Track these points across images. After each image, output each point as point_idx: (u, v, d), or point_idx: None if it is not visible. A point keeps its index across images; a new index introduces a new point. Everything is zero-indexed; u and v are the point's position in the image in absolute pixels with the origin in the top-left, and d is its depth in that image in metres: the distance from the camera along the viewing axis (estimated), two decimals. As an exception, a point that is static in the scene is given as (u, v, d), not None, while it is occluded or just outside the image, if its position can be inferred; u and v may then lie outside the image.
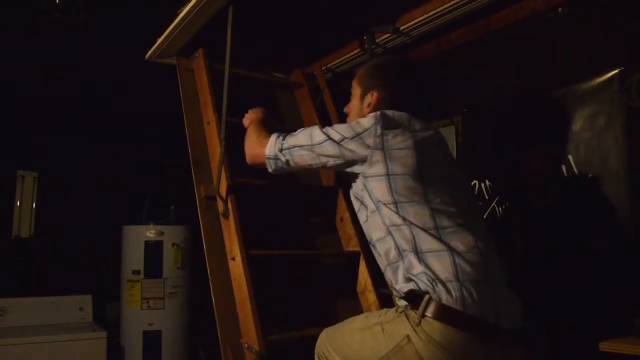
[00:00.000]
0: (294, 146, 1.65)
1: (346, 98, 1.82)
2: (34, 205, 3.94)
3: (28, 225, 3.90)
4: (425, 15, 2.24)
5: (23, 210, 3.89)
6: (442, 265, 1.34)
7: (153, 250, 3.65)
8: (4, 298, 3.54)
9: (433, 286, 1.30)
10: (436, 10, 2.20)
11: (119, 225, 3.79)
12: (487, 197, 2.29)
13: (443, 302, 1.28)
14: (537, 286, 2.07)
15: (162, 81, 2.67)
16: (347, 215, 2.26)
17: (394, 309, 1.40)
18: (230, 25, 2.07)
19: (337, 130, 1.56)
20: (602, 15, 1.98)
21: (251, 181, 2.14)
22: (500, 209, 2.24)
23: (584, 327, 1.88)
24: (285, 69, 2.76)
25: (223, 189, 2.04)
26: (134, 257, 3.66)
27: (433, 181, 1.47)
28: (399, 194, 1.44)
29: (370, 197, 1.49)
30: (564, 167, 2.01)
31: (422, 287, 1.32)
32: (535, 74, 2.18)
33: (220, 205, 2.04)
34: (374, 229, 1.51)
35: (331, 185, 2.38)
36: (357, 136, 1.51)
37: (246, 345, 1.83)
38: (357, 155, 1.51)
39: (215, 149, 2.15)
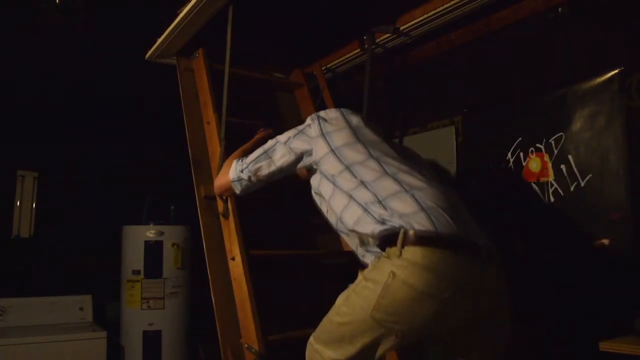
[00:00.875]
0: (252, 161, 1.82)
1: (346, 98, 1.83)
2: (34, 205, 3.94)
3: (28, 225, 3.90)
4: (425, 15, 2.24)
5: (23, 210, 3.89)
6: (405, 203, 1.44)
7: (153, 250, 3.65)
8: (4, 298, 3.54)
9: (404, 221, 1.38)
10: (436, 10, 2.20)
11: (119, 225, 3.79)
12: (487, 197, 2.29)
13: (417, 230, 1.36)
14: (537, 286, 2.07)
15: (162, 81, 2.67)
16: (347, 215, 2.26)
17: (370, 265, 1.49)
18: (230, 25, 2.07)
19: (284, 134, 1.80)
20: (602, 15, 1.98)
21: (251, 181, 2.14)
22: (500, 209, 2.23)
23: (584, 327, 1.88)
24: (285, 69, 2.76)
25: (223, 189, 2.04)
26: (134, 257, 3.66)
27: (373, 144, 1.65)
28: (347, 159, 1.60)
29: (327, 179, 1.63)
30: (564, 167, 2.01)
31: (396, 224, 1.39)
32: (535, 74, 2.18)
33: (220, 205, 2.04)
34: (337, 206, 1.59)
35: (331, 185, 2.37)
36: (299, 133, 1.75)
37: (246, 345, 1.83)
38: (303, 148, 1.73)
39: (215, 149, 2.15)
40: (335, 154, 1.64)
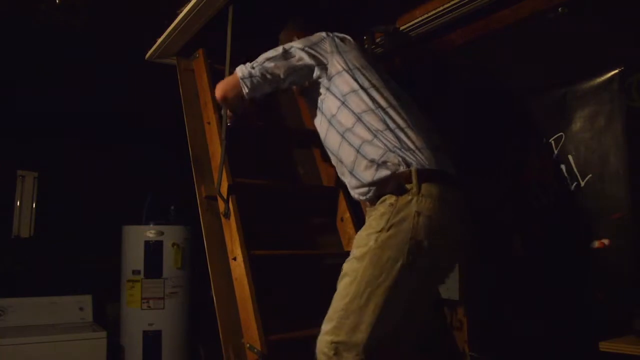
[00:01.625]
0: (265, 59, 1.78)
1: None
2: (34, 205, 3.94)
3: (28, 225, 3.90)
4: (425, 15, 2.25)
5: (23, 210, 3.89)
6: (409, 138, 1.56)
7: (153, 250, 3.65)
8: (4, 298, 3.54)
9: (413, 156, 1.52)
10: (436, 10, 2.20)
11: (119, 225, 3.79)
12: (487, 197, 2.29)
13: (429, 167, 1.51)
14: (537, 286, 2.07)
15: (163, 81, 2.67)
16: (347, 215, 2.27)
17: (377, 214, 1.51)
18: (230, 25, 2.07)
19: (297, 42, 1.80)
20: (602, 15, 1.98)
21: (252, 181, 2.15)
22: (500, 209, 2.24)
23: (584, 327, 1.89)
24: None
25: (224, 189, 2.04)
26: (134, 257, 3.66)
27: (378, 74, 1.73)
28: (362, 82, 1.66)
29: (335, 97, 1.68)
30: (564, 167, 2.02)
31: (408, 159, 1.51)
32: (535, 73, 2.18)
33: (221, 205, 2.05)
34: (341, 124, 1.65)
35: (331, 186, 2.38)
36: (315, 44, 1.77)
37: (248, 345, 1.83)
38: (320, 59, 1.74)
39: (216, 149, 2.15)
40: (350, 73, 1.67)
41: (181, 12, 2.14)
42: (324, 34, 1.80)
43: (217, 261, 2.01)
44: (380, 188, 1.56)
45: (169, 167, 3.82)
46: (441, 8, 2.18)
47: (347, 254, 2.17)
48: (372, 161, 1.56)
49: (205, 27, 2.23)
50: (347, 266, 1.52)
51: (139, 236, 3.67)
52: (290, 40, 1.87)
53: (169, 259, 3.66)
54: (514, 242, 2.16)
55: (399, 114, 1.61)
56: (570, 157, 2.00)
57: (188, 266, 3.74)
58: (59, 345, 3.28)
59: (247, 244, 1.95)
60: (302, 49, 1.75)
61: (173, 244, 3.68)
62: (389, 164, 1.52)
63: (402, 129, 1.57)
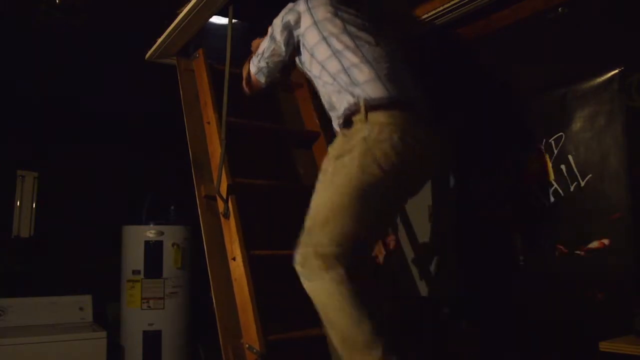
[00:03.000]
0: (263, 50, 2.01)
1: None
2: (34, 205, 3.93)
3: (28, 225, 3.89)
4: (426, 15, 2.25)
5: (23, 210, 3.89)
6: (362, 72, 1.70)
7: (153, 250, 3.65)
8: (4, 298, 3.54)
9: (362, 90, 1.67)
10: (436, 10, 2.20)
11: (119, 225, 3.78)
12: (487, 198, 2.29)
13: (376, 97, 1.65)
14: (537, 286, 2.07)
15: (162, 81, 2.67)
16: (347, 215, 2.26)
17: (336, 145, 1.72)
18: (230, 25, 2.07)
19: (276, 19, 1.96)
20: (602, 16, 1.98)
21: (251, 181, 2.14)
22: (500, 209, 2.24)
23: (584, 327, 1.89)
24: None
25: (223, 189, 2.04)
26: (134, 257, 3.66)
27: (350, 21, 1.83)
28: (324, 31, 1.80)
29: (307, 49, 1.85)
30: (564, 167, 2.01)
31: (358, 93, 1.68)
32: (535, 73, 2.18)
33: (220, 205, 2.04)
34: (313, 74, 1.87)
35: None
36: (290, 10, 1.91)
37: (247, 345, 1.83)
38: (293, 20, 1.88)
39: (216, 149, 2.15)
40: (316, 26, 1.82)
41: (181, 12, 2.14)
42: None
43: (216, 261, 2.00)
44: (338, 123, 1.79)
45: (169, 167, 3.81)
46: (441, 8, 2.18)
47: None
48: (332, 102, 1.80)
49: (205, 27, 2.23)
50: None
51: (139, 236, 3.67)
52: None
53: (169, 259, 3.66)
54: (515, 242, 2.16)
55: (354, 53, 1.74)
56: (570, 157, 2.00)
57: (188, 266, 3.74)
58: (59, 345, 3.27)
59: (247, 244, 1.95)
60: (281, 21, 1.93)
61: (173, 244, 3.67)
62: (344, 101, 1.72)
63: (355, 65, 1.72)
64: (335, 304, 1.49)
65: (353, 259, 1.51)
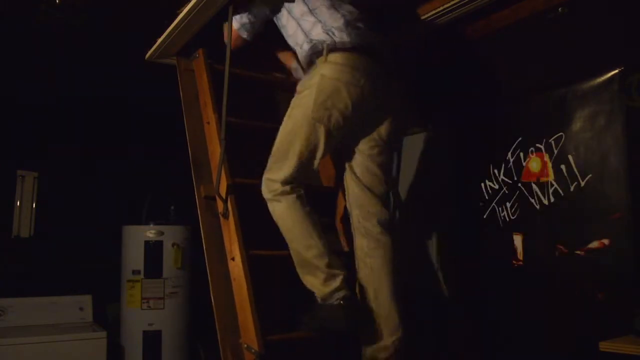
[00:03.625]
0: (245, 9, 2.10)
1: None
2: (34, 205, 3.94)
3: (28, 225, 3.90)
4: (426, 16, 2.24)
5: (23, 210, 3.89)
6: (332, 17, 1.91)
7: (153, 250, 3.65)
8: (4, 298, 3.54)
9: (328, 36, 1.86)
10: (436, 10, 2.20)
11: (119, 225, 3.79)
12: (487, 197, 2.29)
13: (337, 40, 1.85)
14: (537, 286, 2.07)
15: (162, 81, 2.67)
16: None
17: (300, 83, 1.98)
18: (230, 25, 2.07)
19: None
20: (602, 15, 1.98)
21: (251, 181, 2.14)
22: (500, 209, 2.23)
23: (584, 327, 1.88)
24: (285, 69, 2.76)
25: (223, 189, 2.04)
26: (134, 257, 3.66)
27: None
28: None
29: (286, 9, 2.01)
30: (564, 167, 2.01)
31: (322, 39, 1.87)
32: (535, 74, 2.18)
33: (220, 206, 2.04)
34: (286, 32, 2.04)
35: (331, 186, 2.38)
36: None
37: (245, 345, 1.83)
38: None
39: (215, 149, 2.15)
40: None
41: (181, 12, 2.14)
42: None
43: (215, 261, 2.00)
44: (305, 65, 2.00)
45: (169, 167, 3.81)
46: (441, 8, 2.18)
47: (347, 253, 2.19)
48: (298, 43, 1.99)
49: (205, 27, 2.23)
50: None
51: (139, 236, 3.67)
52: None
53: (169, 259, 3.66)
54: (515, 242, 2.16)
55: (328, 8, 1.93)
56: (570, 157, 2.00)
57: (188, 266, 3.74)
58: (59, 345, 3.27)
59: (246, 244, 1.94)
60: None
61: (173, 244, 3.67)
62: (311, 46, 1.91)
63: (319, 9, 1.92)
64: (293, 222, 1.83)
65: (302, 187, 1.86)
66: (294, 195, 1.84)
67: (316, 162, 1.88)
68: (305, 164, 1.86)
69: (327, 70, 1.84)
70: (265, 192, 1.89)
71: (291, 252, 1.87)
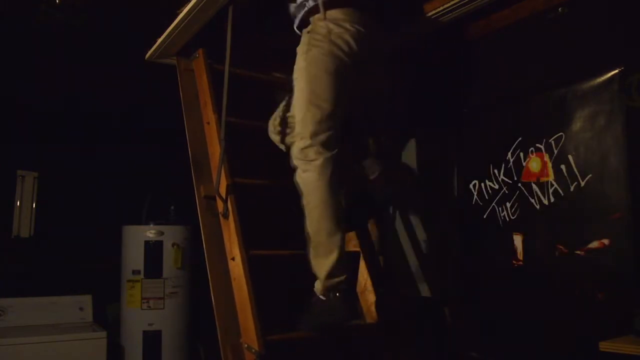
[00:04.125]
0: None
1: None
2: (34, 205, 3.94)
3: (28, 225, 3.90)
4: (426, 15, 2.24)
5: (23, 210, 3.89)
6: None
7: (153, 250, 3.65)
8: (4, 298, 3.54)
9: None
10: (436, 10, 2.20)
11: (119, 225, 3.79)
12: (487, 197, 2.29)
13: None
14: (537, 286, 2.07)
15: (162, 81, 2.67)
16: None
17: (301, 43, 1.94)
18: (230, 25, 2.07)
19: None
20: (602, 15, 1.98)
21: (251, 181, 2.14)
22: (500, 209, 2.23)
23: (584, 327, 1.88)
24: (285, 69, 2.76)
25: (223, 189, 2.04)
26: (134, 257, 3.66)
27: None
28: None
29: None
30: (564, 167, 2.01)
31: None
32: (535, 73, 2.18)
33: (220, 205, 2.04)
34: None
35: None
36: None
37: (246, 345, 1.83)
38: None
39: (215, 149, 2.15)
40: None
41: (181, 12, 2.14)
42: None
43: (215, 261, 2.00)
44: (301, 24, 2.03)
45: (169, 167, 3.82)
46: (441, 8, 2.18)
47: (346, 253, 2.18)
48: (297, 7, 2.03)
49: (205, 27, 2.23)
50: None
51: (139, 236, 3.67)
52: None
53: (169, 259, 3.66)
54: (514, 242, 2.16)
55: None
56: (570, 157, 2.00)
57: (188, 266, 3.74)
58: (59, 345, 3.27)
59: (246, 243, 1.94)
60: None
61: (173, 244, 3.68)
62: (305, 6, 1.97)
63: None
64: (315, 188, 1.80)
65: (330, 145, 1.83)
66: (322, 159, 1.80)
67: (338, 113, 1.87)
68: (329, 116, 1.84)
69: (331, 27, 1.88)
70: (295, 152, 1.84)
71: (308, 222, 1.86)
